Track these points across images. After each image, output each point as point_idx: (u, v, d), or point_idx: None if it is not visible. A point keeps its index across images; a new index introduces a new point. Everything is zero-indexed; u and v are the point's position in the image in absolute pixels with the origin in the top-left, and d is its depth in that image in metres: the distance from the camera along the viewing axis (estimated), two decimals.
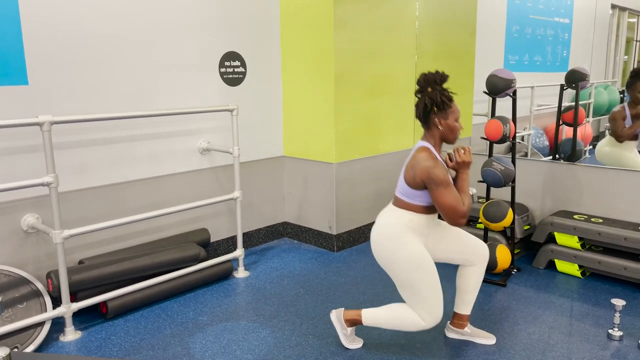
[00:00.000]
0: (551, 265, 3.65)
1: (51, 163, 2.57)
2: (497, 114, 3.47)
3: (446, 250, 2.56)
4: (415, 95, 2.37)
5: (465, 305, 2.67)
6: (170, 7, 3.36)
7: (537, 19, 5.90)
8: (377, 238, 2.42)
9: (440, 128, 2.36)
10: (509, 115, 3.48)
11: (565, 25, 6.09)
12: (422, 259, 2.35)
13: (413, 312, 2.40)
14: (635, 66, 5.59)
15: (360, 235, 4.23)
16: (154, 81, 3.34)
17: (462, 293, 2.66)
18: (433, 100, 2.29)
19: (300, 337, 2.74)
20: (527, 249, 3.98)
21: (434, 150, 2.37)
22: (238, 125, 3.63)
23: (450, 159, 2.45)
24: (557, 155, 4.38)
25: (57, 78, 2.91)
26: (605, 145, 4.02)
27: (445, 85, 2.35)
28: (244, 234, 4.06)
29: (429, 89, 2.31)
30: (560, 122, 4.37)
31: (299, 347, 2.63)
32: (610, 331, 2.70)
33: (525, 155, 5.40)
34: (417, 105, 2.36)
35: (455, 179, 2.46)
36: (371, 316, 2.49)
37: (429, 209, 2.40)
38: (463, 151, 2.40)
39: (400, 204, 2.41)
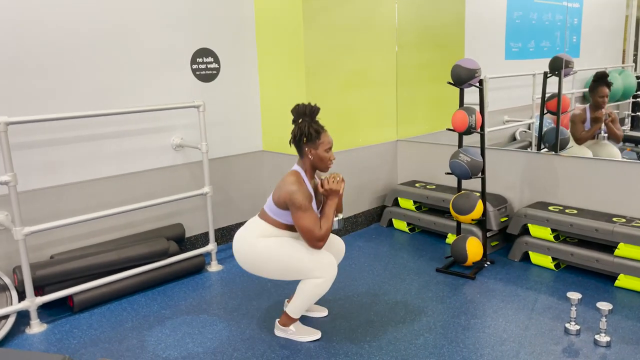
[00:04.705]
0: (526, 258, 3.59)
1: (9, 162, 2.66)
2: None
3: None
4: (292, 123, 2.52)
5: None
6: (138, 5, 3.41)
7: (544, 3, 5.73)
8: (237, 249, 2.61)
9: (310, 157, 2.51)
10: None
11: (575, 10, 5.90)
12: (274, 243, 2.52)
13: (311, 280, 2.53)
14: None
15: (341, 228, 4.22)
16: (123, 79, 3.40)
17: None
18: (302, 131, 2.45)
19: (255, 330, 2.77)
20: (506, 241, 3.91)
21: (304, 175, 2.53)
22: (205, 121, 3.67)
23: (322, 186, 2.55)
24: (541, 146, 4.28)
25: (18, 78, 2.99)
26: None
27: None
28: (222, 229, 4.11)
29: (300, 121, 2.47)
30: (545, 111, 4.26)
31: (250, 340, 2.67)
32: (567, 325, 2.64)
33: (530, 144, 5.27)
34: (291, 134, 2.52)
35: (323, 204, 2.58)
36: (293, 308, 2.60)
37: (290, 227, 2.59)
38: (333, 180, 2.52)
39: (264, 216, 2.60)
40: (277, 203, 2.52)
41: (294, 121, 2.52)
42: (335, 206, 2.57)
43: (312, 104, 2.50)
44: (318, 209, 2.61)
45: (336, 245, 2.83)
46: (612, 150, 4.05)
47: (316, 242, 2.47)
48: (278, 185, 2.53)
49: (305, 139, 2.47)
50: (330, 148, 2.52)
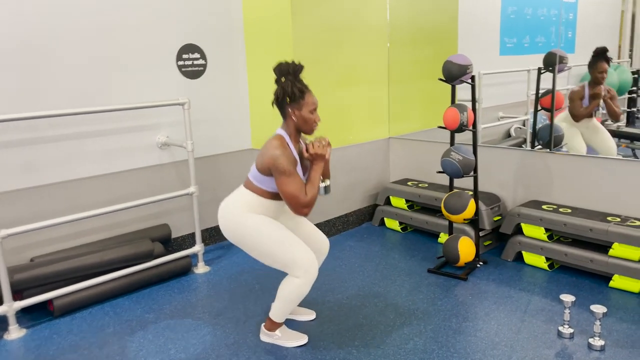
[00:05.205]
0: (520, 258, 3.51)
1: None
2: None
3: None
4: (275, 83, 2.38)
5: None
6: (121, 1, 3.31)
7: None
8: (221, 218, 2.49)
9: (294, 119, 2.38)
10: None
11: (570, 5, 5.83)
12: (262, 225, 2.41)
13: (289, 279, 2.44)
14: None
15: (331, 227, 4.15)
16: (106, 76, 3.30)
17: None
18: (285, 90, 2.32)
19: (240, 335, 2.69)
20: (500, 240, 3.83)
21: (289, 139, 2.40)
22: (191, 118, 3.58)
23: (307, 150, 2.42)
24: (535, 143, 4.20)
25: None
26: (563, 120, 3.99)
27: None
28: (211, 228, 4.03)
29: (282, 80, 2.33)
30: (539, 108, 4.19)
31: (234, 345, 2.59)
32: (560, 328, 2.57)
33: (525, 141, 5.19)
34: (273, 94, 2.38)
35: (309, 170, 2.45)
36: (275, 311, 2.53)
37: (274, 195, 2.45)
38: (318, 143, 2.39)
39: (248, 185, 2.47)
40: (260, 169, 2.39)
41: (276, 80, 2.36)
42: (322, 171, 2.44)
43: (296, 62, 2.36)
44: (304, 175, 2.47)
45: (320, 242, 2.71)
46: (605, 135, 3.98)
47: (301, 208, 2.34)
48: (261, 151, 2.39)
49: (288, 99, 2.33)
50: (315, 109, 2.38)
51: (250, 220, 2.41)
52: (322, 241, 2.72)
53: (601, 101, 3.89)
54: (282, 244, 2.40)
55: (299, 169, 2.40)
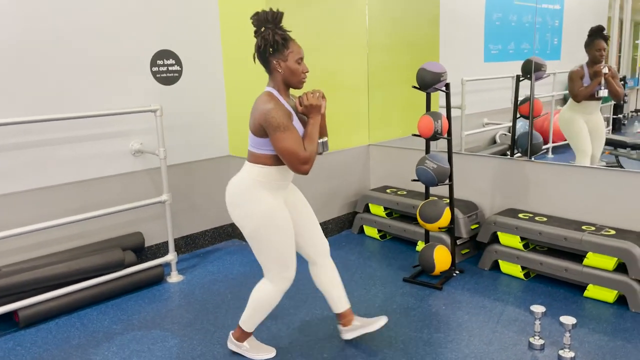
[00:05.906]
0: (496, 267, 3.48)
1: None
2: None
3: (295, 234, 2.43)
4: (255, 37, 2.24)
5: (336, 303, 2.56)
6: (92, 4, 3.26)
7: (524, 5, 5.66)
8: (228, 195, 2.32)
9: (280, 71, 2.21)
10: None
11: (556, 12, 5.82)
12: (272, 216, 2.25)
13: (261, 285, 2.38)
14: None
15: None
16: (81, 82, 3.25)
17: (326, 293, 2.56)
18: (266, 40, 2.15)
19: (207, 347, 2.64)
20: (478, 248, 3.80)
21: (278, 94, 2.22)
22: (164, 125, 3.53)
23: (301, 104, 2.25)
24: (515, 151, 4.18)
25: None
26: (567, 110, 3.93)
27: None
28: (187, 237, 3.97)
29: (262, 29, 2.18)
30: (518, 115, 4.18)
31: (201, 357, 2.53)
32: (531, 340, 2.54)
33: (509, 147, 5.18)
34: (255, 47, 2.24)
35: (305, 125, 2.28)
36: (245, 319, 2.46)
37: (277, 160, 2.25)
38: (312, 95, 2.23)
39: (250, 157, 2.28)
40: (254, 131, 2.19)
41: (256, 32, 2.19)
42: (319, 126, 2.27)
43: (275, 9, 2.18)
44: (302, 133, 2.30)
45: (318, 246, 2.51)
46: (598, 142, 3.92)
47: (301, 165, 2.16)
48: (251, 111, 2.20)
49: (271, 50, 2.16)
50: (301, 59, 2.22)
51: (259, 206, 2.23)
52: (322, 247, 2.51)
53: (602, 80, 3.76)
54: (278, 248, 2.28)
55: (296, 124, 2.22)
